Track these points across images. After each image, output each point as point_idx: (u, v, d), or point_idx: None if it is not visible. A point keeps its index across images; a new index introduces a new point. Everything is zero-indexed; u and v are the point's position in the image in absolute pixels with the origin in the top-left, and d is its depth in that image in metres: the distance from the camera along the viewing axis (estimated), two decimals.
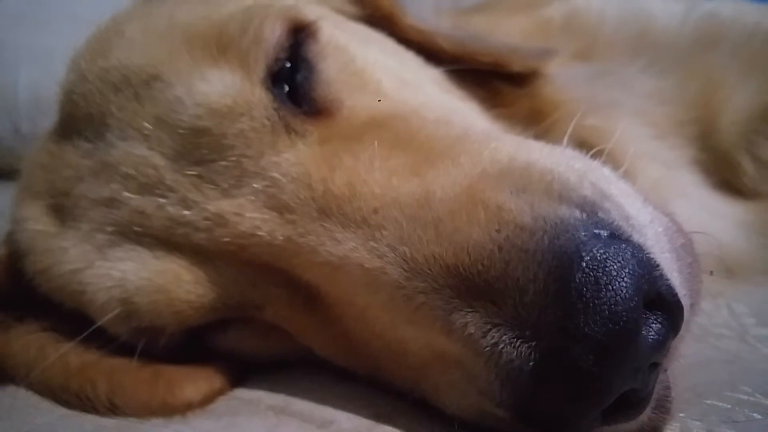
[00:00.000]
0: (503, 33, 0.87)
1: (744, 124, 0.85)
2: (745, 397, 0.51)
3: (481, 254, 0.42)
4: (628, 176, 0.53)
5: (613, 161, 0.57)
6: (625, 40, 0.87)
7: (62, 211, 0.57)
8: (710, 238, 0.70)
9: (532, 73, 0.78)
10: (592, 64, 0.85)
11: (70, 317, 0.58)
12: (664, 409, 0.45)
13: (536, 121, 0.76)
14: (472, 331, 0.41)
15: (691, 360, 0.48)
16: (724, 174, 0.85)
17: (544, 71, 0.78)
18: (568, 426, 0.41)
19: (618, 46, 0.86)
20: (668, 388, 0.45)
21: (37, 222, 0.58)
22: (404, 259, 0.44)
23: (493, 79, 0.76)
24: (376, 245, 0.46)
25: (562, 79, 0.79)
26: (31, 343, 0.59)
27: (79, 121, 0.58)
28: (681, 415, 0.48)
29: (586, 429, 0.41)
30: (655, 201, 0.52)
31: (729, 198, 0.85)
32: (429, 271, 0.43)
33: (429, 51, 0.72)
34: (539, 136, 0.72)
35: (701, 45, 0.87)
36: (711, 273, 0.54)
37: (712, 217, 0.81)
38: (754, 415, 0.49)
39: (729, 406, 0.50)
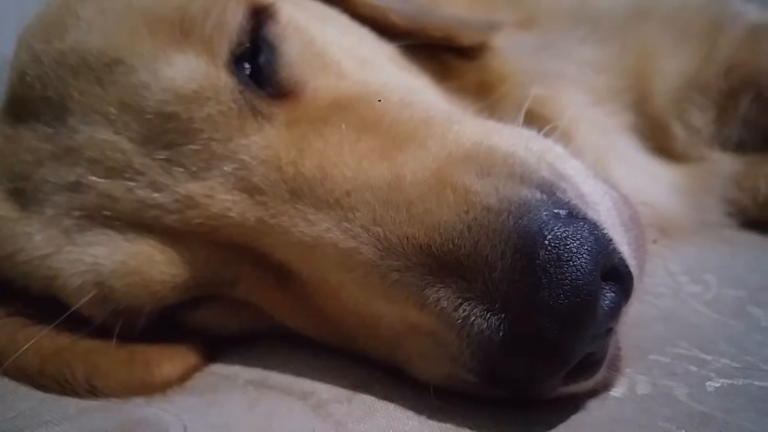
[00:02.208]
0: (447, 3, 0.89)
1: (675, 92, 0.90)
2: (683, 351, 0.56)
3: (452, 234, 0.45)
4: (578, 151, 0.57)
5: (563, 133, 0.61)
6: (565, 10, 0.90)
7: (22, 195, 0.57)
8: (650, 208, 0.76)
9: (480, 46, 0.80)
10: (535, 33, 0.88)
11: (36, 302, 0.58)
12: (615, 367, 0.50)
13: (485, 92, 0.78)
14: (445, 305, 0.44)
15: (634, 319, 0.51)
16: (658, 139, 0.90)
17: (491, 44, 0.81)
18: (533, 388, 0.45)
19: (559, 16, 0.89)
20: (619, 348, 0.50)
21: None
22: (378, 239, 0.47)
23: (443, 53, 0.78)
24: (349, 226, 0.48)
25: (509, 51, 0.82)
26: None
27: (35, 103, 0.57)
28: (628, 370, 0.52)
29: (549, 389, 0.46)
30: (601, 173, 0.57)
31: (663, 161, 0.90)
32: (402, 251, 0.46)
33: (382, 26, 0.73)
34: (489, 108, 0.76)
35: (635, 16, 0.91)
36: (654, 242, 0.58)
37: (649, 180, 0.86)
38: (691, 367, 0.54)
39: (669, 360, 0.55)
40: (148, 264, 0.54)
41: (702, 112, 0.91)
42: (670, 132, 0.90)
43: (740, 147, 0.93)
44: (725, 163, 0.91)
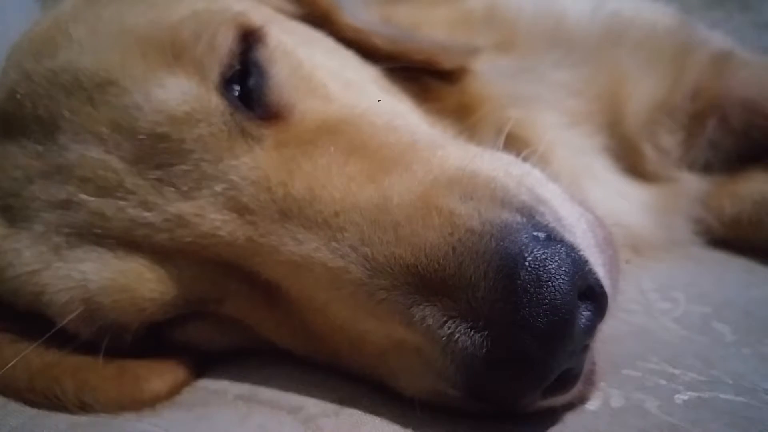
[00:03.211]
0: (428, 24, 0.91)
1: (645, 114, 0.93)
2: (653, 366, 0.59)
3: (437, 255, 0.47)
4: (554, 173, 0.60)
5: (540, 156, 0.64)
6: (541, 34, 0.93)
7: (11, 212, 0.57)
8: (623, 228, 0.79)
9: (460, 70, 0.82)
10: (512, 57, 0.91)
11: (22, 318, 0.58)
12: (590, 381, 0.52)
13: (465, 114, 0.81)
14: (431, 322, 0.46)
15: (608, 335, 0.53)
16: (630, 160, 0.93)
17: (471, 68, 0.83)
18: (513, 401, 0.47)
19: (535, 40, 0.92)
20: (594, 363, 0.52)
21: None
22: (366, 259, 0.49)
23: (424, 76, 0.81)
24: (338, 246, 0.50)
25: (487, 75, 0.84)
26: None
27: (25, 121, 0.58)
28: (603, 384, 0.54)
29: (529, 403, 0.48)
30: (577, 194, 0.59)
31: (635, 181, 0.93)
32: (390, 270, 0.48)
33: (365, 50, 0.75)
34: (469, 130, 0.79)
35: (607, 41, 0.94)
36: (627, 262, 0.61)
37: (621, 199, 0.89)
38: (661, 381, 0.56)
39: (641, 375, 0.57)
40: (137, 281, 0.55)
41: (671, 134, 0.95)
42: (641, 153, 0.93)
43: (706, 168, 0.96)
44: (693, 184, 0.94)
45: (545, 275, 0.45)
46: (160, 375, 0.59)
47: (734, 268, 0.85)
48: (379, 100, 0.64)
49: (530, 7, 0.95)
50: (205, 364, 0.62)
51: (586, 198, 0.71)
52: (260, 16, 0.64)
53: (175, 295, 0.56)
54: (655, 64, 0.94)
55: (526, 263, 0.45)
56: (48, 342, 0.57)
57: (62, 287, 0.55)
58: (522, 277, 0.45)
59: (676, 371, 0.58)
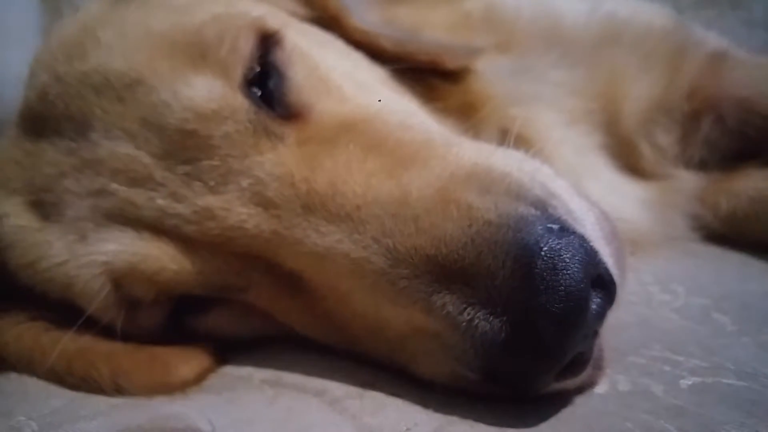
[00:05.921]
0: (430, 26, 0.93)
1: (642, 114, 0.95)
2: (657, 354, 0.61)
3: (457, 245, 0.49)
4: (558, 170, 0.63)
5: (544, 154, 0.66)
6: (539, 34, 0.95)
7: (44, 206, 0.60)
8: (623, 223, 0.82)
9: (463, 70, 0.85)
10: (511, 57, 0.93)
11: (55, 307, 0.61)
12: (599, 366, 0.55)
13: (468, 113, 0.83)
14: (451, 309, 0.49)
15: (612, 324, 0.55)
16: (626, 158, 0.95)
17: (473, 68, 0.86)
18: (529, 383, 0.50)
19: (533, 41, 0.95)
20: (601, 349, 0.55)
21: (19, 217, 0.61)
22: (388, 250, 0.51)
23: (429, 76, 0.83)
24: (360, 237, 0.52)
25: (489, 75, 0.87)
26: (24, 332, 0.62)
27: (57, 120, 0.61)
28: (609, 371, 0.57)
29: (542, 385, 0.50)
30: (581, 192, 0.62)
31: (632, 179, 0.96)
32: (411, 260, 0.50)
33: (373, 51, 0.77)
34: (473, 128, 0.81)
35: (604, 41, 0.96)
36: (632, 254, 0.64)
37: (619, 196, 0.91)
38: (665, 367, 0.59)
39: (645, 361, 0.60)
40: (162, 259, 0.57)
41: (667, 132, 0.97)
42: (638, 151, 0.96)
43: (702, 166, 0.99)
44: (689, 181, 0.97)
45: (560, 264, 0.47)
46: (187, 362, 0.61)
47: (731, 262, 0.87)
48: (379, 100, 0.66)
49: (528, 8, 0.98)
50: (226, 352, 0.64)
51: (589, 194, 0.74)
52: (276, 20, 0.67)
53: (197, 276, 0.58)
54: (651, 64, 0.97)
55: (542, 253, 0.48)
56: (80, 328, 0.59)
57: (89, 274, 0.58)
58: (539, 266, 0.47)
59: (680, 358, 0.60)
